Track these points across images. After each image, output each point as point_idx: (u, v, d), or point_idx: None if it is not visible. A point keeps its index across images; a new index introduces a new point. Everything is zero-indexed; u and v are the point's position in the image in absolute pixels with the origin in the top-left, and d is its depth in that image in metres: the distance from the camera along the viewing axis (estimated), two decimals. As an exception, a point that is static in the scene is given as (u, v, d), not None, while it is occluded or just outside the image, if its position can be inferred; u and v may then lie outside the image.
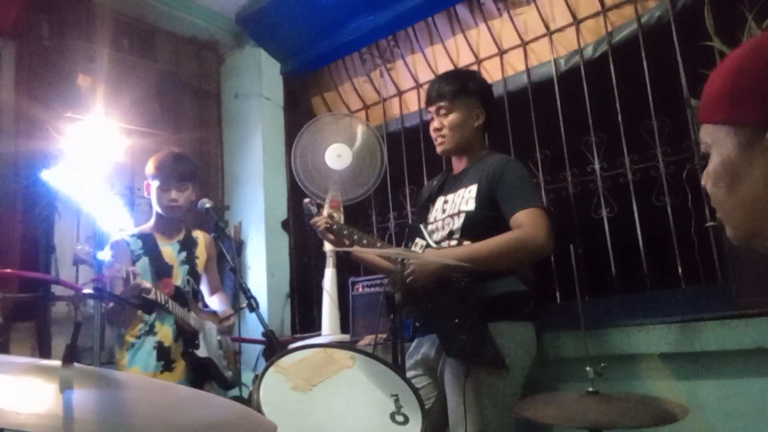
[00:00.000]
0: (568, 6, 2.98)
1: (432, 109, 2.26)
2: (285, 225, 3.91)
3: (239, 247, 3.81)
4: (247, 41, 4.07)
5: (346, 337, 2.97)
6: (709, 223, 2.32)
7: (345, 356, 1.62)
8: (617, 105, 2.74)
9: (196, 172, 2.75)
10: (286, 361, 1.53)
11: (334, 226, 2.23)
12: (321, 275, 3.30)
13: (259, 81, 3.99)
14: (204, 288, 2.79)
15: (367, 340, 2.65)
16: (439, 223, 2.20)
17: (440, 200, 2.27)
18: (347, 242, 2.20)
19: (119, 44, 3.67)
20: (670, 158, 2.57)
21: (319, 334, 3.20)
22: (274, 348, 2.17)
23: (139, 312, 2.45)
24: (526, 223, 1.99)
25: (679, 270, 2.48)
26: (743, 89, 0.74)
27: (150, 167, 2.63)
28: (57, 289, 3.05)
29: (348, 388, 1.51)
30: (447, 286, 1.98)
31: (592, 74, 2.90)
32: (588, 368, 1.56)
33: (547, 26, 3.06)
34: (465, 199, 2.15)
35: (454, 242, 2.11)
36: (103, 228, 3.05)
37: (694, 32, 2.43)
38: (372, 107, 3.81)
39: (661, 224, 2.53)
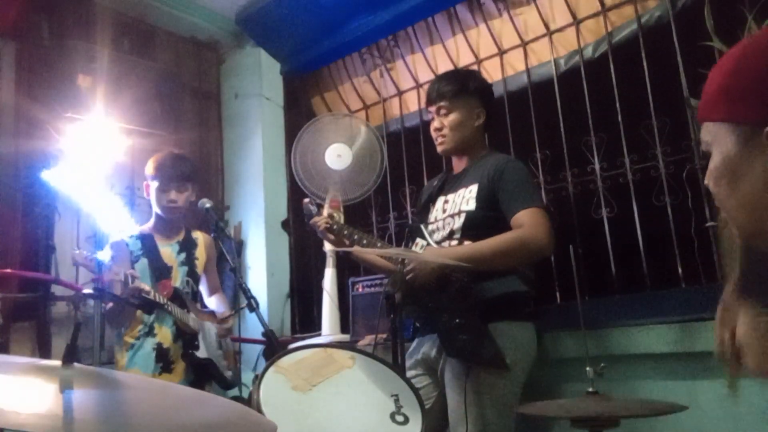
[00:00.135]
0: (568, 6, 2.98)
1: (432, 109, 2.26)
2: (285, 225, 3.91)
3: (239, 247, 3.81)
4: (247, 41, 4.07)
5: (346, 337, 2.97)
6: (709, 223, 2.32)
7: (345, 356, 1.62)
8: (617, 105, 2.74)
9: (196, 173, 2.75)
10: (286, 361, 1.53)
11: (335, 226, 2.23)
12: (321, 275, 3.30)
13: (259, 81, 3.99)
14: (203, 289, 2.79)
15: (367, 340, 2.65)
16: (440, 223, 2.20)
17: (441, 200, 2.27)
18: (347, 242, 2.20)
19: (119, 44, 3.67)
20: (670, 158, 2.57)
21: (319, 334, 3.20)
22: (274, 348, 2.16)
23: (139, 312, 2.45)
24: (527, 223, 1.99)
25: (679, 270, 2.48)
26: (741, 87, 0.74)
27: (149, 168, 2.62)
28: (57, 289, 3.05)
29: (348, 388, 1.51)
30: (448, 285, 1.98)
31: (592, 74, 2.90)
32: (588, 368, 1.56)
33: (547, 26, 3.06)
34: (465, 198, 2.15)
35: (454, 242, 2.11)
36: (103, 228, 3.05)
37: (694, 32, 2.43)
38: (372, 107, 3.81)
39: (661, 224, 2.53)
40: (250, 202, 3.90)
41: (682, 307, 2.26)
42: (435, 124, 2.25)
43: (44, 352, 2.91)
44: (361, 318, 2.85)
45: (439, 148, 2.28)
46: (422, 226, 2.23)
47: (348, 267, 3.35)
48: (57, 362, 0.87)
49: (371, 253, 2.29)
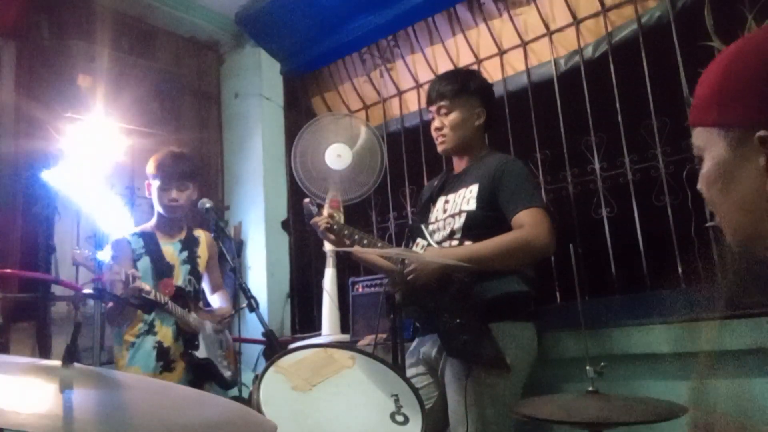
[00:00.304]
0: (568, 6, 2.98)
1: (433, 108, 2.26)
2: (285, 225, 3.91)
3: (239, 247, 3.81)
4: (247, 41, 4.07)
5: (346, 337, 2.97)
6: (709, 223, 2.32)
7: (345, 356, 1.62)
8: (617, 105, 2.74)
9: (197, 172, 2.75)
10: (286, 361, 1.53)
11: (335, 226, 2.23)
12: (321, 275, 3.30)
13: (259, 81, 3.99)
14: (206, 286, 2.79)
15: (367, 340, 2.65)
16: (440, 223, 2.20)
17: (441, 200, 2.27)
18: (348, 242, 2.20)
19: (119, 44, 3.67)
20: (670, 158, 2.57)
21: (319, 334, 3.20)
22: (274, 348, 2.17)
23: (139, 311, 2.45)
24: (528, 223, 1.99)
25: (679, 270, 2.48)
26: (731, 91, 0.74)
27: (150, 167, 2.62)
28: (57, 289, 3.05)
29: (348, 388, 1.51)
30: (448, 285, 1.98)
31: (592, 74, 2.89)
32: (588, 368, 1.56)
33: (547, 26, 3.06)
34: (466, 198, 2.14)
35: (455, 242, 2.11)
36: (103, 228, 3.05)
37: (694, 32, 2.43)
38: (372, 107, 3.81)
39: (661, 224, 2.53)
40: (250, 202, 3.90)
41: (682, 307, 2.26)
42: (435, 123, 2.25)
43: (44, 352, 2.91)
44: (361, 318, 2.85)
45: (440, 148, 2.28)
46: (423, 226, 2.23)
47: (348, 267, 3.35)
48: (57, 362, 0.87)
49: (371, 253, 2.29)
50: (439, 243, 2.15)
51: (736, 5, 2.28)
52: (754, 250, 0.79)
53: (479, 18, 3.29)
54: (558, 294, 2.75)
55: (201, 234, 2.77)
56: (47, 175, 2.93)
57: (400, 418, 1.44)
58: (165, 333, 2.50)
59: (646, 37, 2.73)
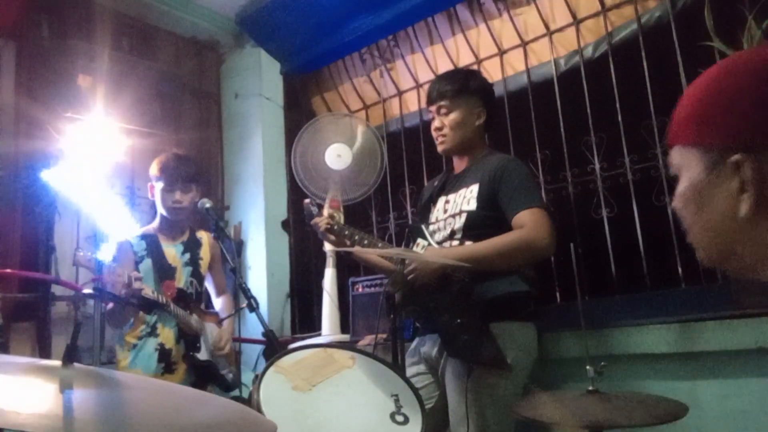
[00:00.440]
0: (568, 6, 2.98)
1: (433, 108, 2.26)
2: (285, 225, 3.91)
3: (239, 247, 3.81)
4: (247, 41, 4.07)
5: (346, 337, 2.97)
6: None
7: (345, 356, 1.62)
8: (617, 105, 2.74)
9: (200, 174, 2.76)
10: (286, 361, 1.53)
11: (335, 227, 2.23)
12: (321, 275, 3.30)
13: (259, 81, 3.99)
14: (210, 288, 2.80)
15: (367, 340, 2.65)
16: (441, 223, 2.20)
17: (441, 200, 2.27)
18: (348, 243, 2.20)
19: (119, 44, 3.67)
20: (671, 158, 2.56)
21: (319, 334, 3.20)
22: (274, 348, 2.16)
23: (141, 312, 2.46)
24: (529, 223, 1.98)
25: (679, 270, 2.48)
26: (708, 114, 0.75)
27: (154, 169, 2.63)
28: (57, 289, 3.05)
29: (348, 388, 1.51)
30: (449, 285, 1.98)
31: (592, 74, 2.90)
32: (588, 368, 1.56)
33: (547, 26, 3.06)
34: (466, 198, 2.14)
35: (455, 242, 2.11)
36: (103, 228, 3.05)
37: (694, 32, 2.43)
38: (372, 107, 3.81)
39: (661, 224, 2.53)
40: (250, 202, 3.90)
41: (682, 307, 2.26)
42: (435, 123, 2.25)
43: (44, 352, 2.91)
44: (361, 318, 2.85)
45: (440, 148, 2.27)
46: (423, 226, 2.23)
47: (348, 267, 3.35)
48: (57, 362, 0.87)
49: (372, 254, 2.29)
50: (439, 243, 2.15)
51: (736, 5, 2.27)
52: (728, 270, 0.82)
53: (479, 18, 3.29)
54: (558, 294, 2.75)
55: (203, 235, 2.77)
56: (47, 175, 2.93)
57: (400, 418, 1.44)
58: (167, 335, 2.50)
59: (646, 37, 2.73)
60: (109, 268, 2.32)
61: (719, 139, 0.74)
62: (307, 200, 2.35)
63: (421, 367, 2.15)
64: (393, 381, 1.57)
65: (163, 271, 2.55)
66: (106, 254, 2.40)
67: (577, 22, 2.97)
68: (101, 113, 3.28)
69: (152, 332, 2.49)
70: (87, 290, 2.28)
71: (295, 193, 3.67)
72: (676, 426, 1.45)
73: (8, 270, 2.85)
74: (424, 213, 2.34)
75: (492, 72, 3.25)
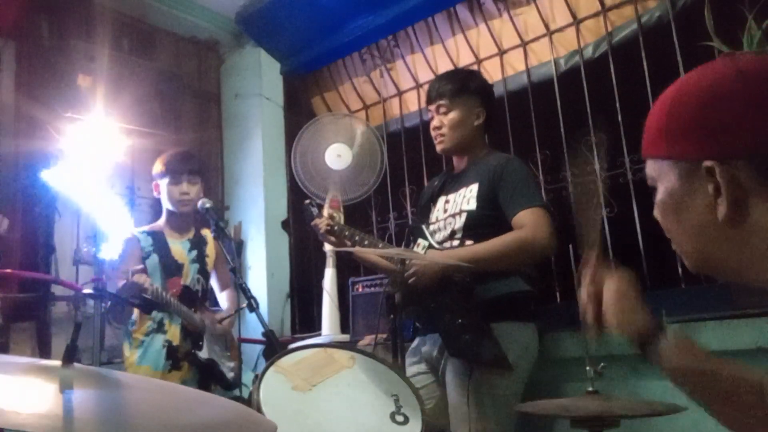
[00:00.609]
0: (568, 6, 2.98)
1: (432, 107, 2.26)
2: (285, 225, 3.91)
3: (239, 247, 3.81)
4: (247, 41, 4.06)
5: (346, 337, 2.97)
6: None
7: (345, 356, 1.62)
8: (617, 105, 2.74)
9: (204, 169, 2.79)
10: (286, 361, 1.53)
11: (335, 228, 2.23)
12: (321, 275, 3.30)
13: (259, 81, 3.99)
14: (214, 284, 2.82)
15: (367, 340, 2.65)
16: (441, 223, 2.20)
17: (441, 200, 2.27)
18: (348, 243, 2.20)
19: (119, 44, 3.66)
20: (670, 158, 2.56)
21: (319, 334, 3.20)
22: (274, 348, 2.16)
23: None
24: (529, 223, 1.98)
25: (679, 270, 2.48)
26: (676, 126, 0.77)
27: (158, 166, 2.66)
28: (57, 289, 3.05)
29: (348, 388, 1.51)
30: (450, 285, 1.98)
31: (592, 74, 2.89)
32: (588, 368, 1.56)
33: (547, 26, 3.06)
34: (466, 198, 2.14)
35: (456, 242, 2.11)
36: (103, 228, 3.05)
37: (694, 32, 2.43)
38: (372, 107, 3.81)
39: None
40: (250, 202, 3.90)
41: (682, 307, 2.26)
42: (434, 122, 2.25)
43: (44, 352, 2.91)
44: (361, 318, 2.85)
45: (438, 147, 2.27)
46: (423, 226, 2.23)
47: (348, 267, 3.35)
48: (57, 362, 0.87)
49: (372, 254, 2.29)
50: (440, 243, 2.15)
51: (736, 5, 2.27)
52: (714, 274, 0.84)
53: (479, 18, 3.29)
54: (558, 294, 2.75)
55: (208, 233, 2.79)
56: (47, 175, 2.93)
57: (400, 418, 1.44)
58: (174, 332, 2.51)
59: (646, 37, 2.73)
60: (116, 265, 2.34)
61: (690, 150, 0.76)
62: (307, 201, 2.36)
63: (422, 367, 2.15)
64: (393, 381, 1.57)
65: (170, 267, 2.58)
66: (108, 253, 2.40)
67: (577, 22, 2.97)
68: (101, 113, 3.28)
69: (159, 329, 2.50)
70: (87, 290, 2.28)
71: (295, 193, 3.67)
72: (676, 426, 1.45)
73: (8, 270, 2.85)
74: (424, 213, 2.34)
75: (492, 72, 3.24)
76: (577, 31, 2.97)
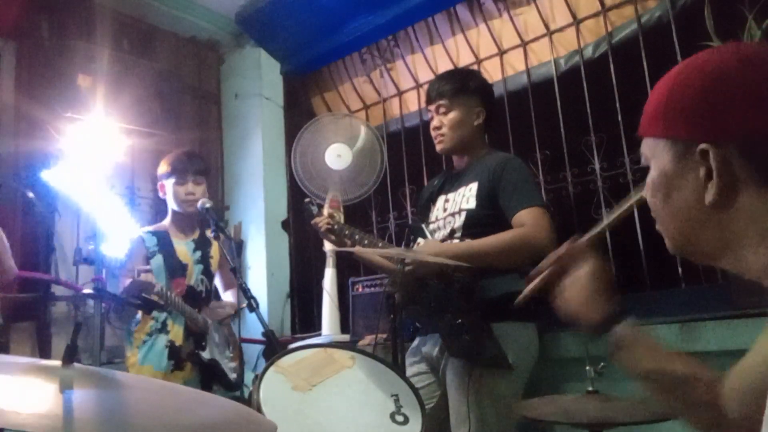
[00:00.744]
0: (568, 6, 2.98)
1: (432, 107, 2.26)
2: (285, 225, 3.91)
3: (239, 247, 3.81)
4: (247, 41, 4.07)
5: (346, 337, 2.97)
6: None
7: (345, 356, 1.62)
8: (617, 105, 2.74)
9: (208, 170, 2.81)
10: (286, 361, 1.53)
11: (335, 227, 2.23)
12: (321, 275, 3.30)
13: (259, 81, 3.99)
14: (218, 284, 2.84)
15: (367, 340, 2.65)
16: (441, 222, 2.20)
17: (441, 199, 2.27)
18: (348, 242, 2.20)
19: (119, 44, 3.67)
20: (670, 158, 2.56)
21: (319, 334, 3.20)
22: (274, 348, 2.16)
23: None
24: (528, 222, 1.98)
25: (679, 270, 2.48)
26: (676, 108, 0.78)
27: (163, 167, 2.67)
28: (57, 289, 3.05)
29: (348, 388, 1.51)
30: (450, 285, 1.98)
31: (592, 74, 2.90)
32: (588, 368, 1.56)
33: (547, 26, 3.06)
34: (466, 197, 2.14)
35: (455, 240, 2.11)
36: (103, 228, 3.06)
37: (694, 32, 2.43)
38: (372, 107, 3.81)
39: (661, 224, 2.53)
40: (250, 202, 3.90)
41: (682, 307, 2.26)
42: (434, 122, 2.25)
43: (44, 352, 2.91)
44: (361, 318, 2.86)
45: (438, 147, 2.27)
46: (423, 226, 2.23)
47: (348, 267, 3.35)
48: (57, 362, 0.87)
49: (372, 253, 2.29)
50: (440, 242, 2.15)
51: (736, 5, 2.27)
52: (692, 257, 0.84)
53: (479, 18, 3.29)
54: (558, 294, 2.75)
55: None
56: (47, 175, 2.93)
57: (400, 418, 1.44)
58: (177, 332, 2.52)
59: (646, 37, 2.73)
60: (122, 265, 2.36)
61: (686, 132, 0.77)
62: (307, 200, 2.36)
63: (422, 367, 2.15)
64: (393, 381, 1.57)
65: (174, 268, 2.58)
66: (110, 252, 2.41)
67: (577, 22, 2.97)
68: (101, 113, 3.28)
69: (162, 329, 2.51)
70: (87, 290, 2.29)
71: (295, 193, 3.68)
72: (675, 426, 1.45)
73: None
74: (424, 212, 2.34)
75: (492, 72, 3.25)
76: (577, 31, 2.97)
